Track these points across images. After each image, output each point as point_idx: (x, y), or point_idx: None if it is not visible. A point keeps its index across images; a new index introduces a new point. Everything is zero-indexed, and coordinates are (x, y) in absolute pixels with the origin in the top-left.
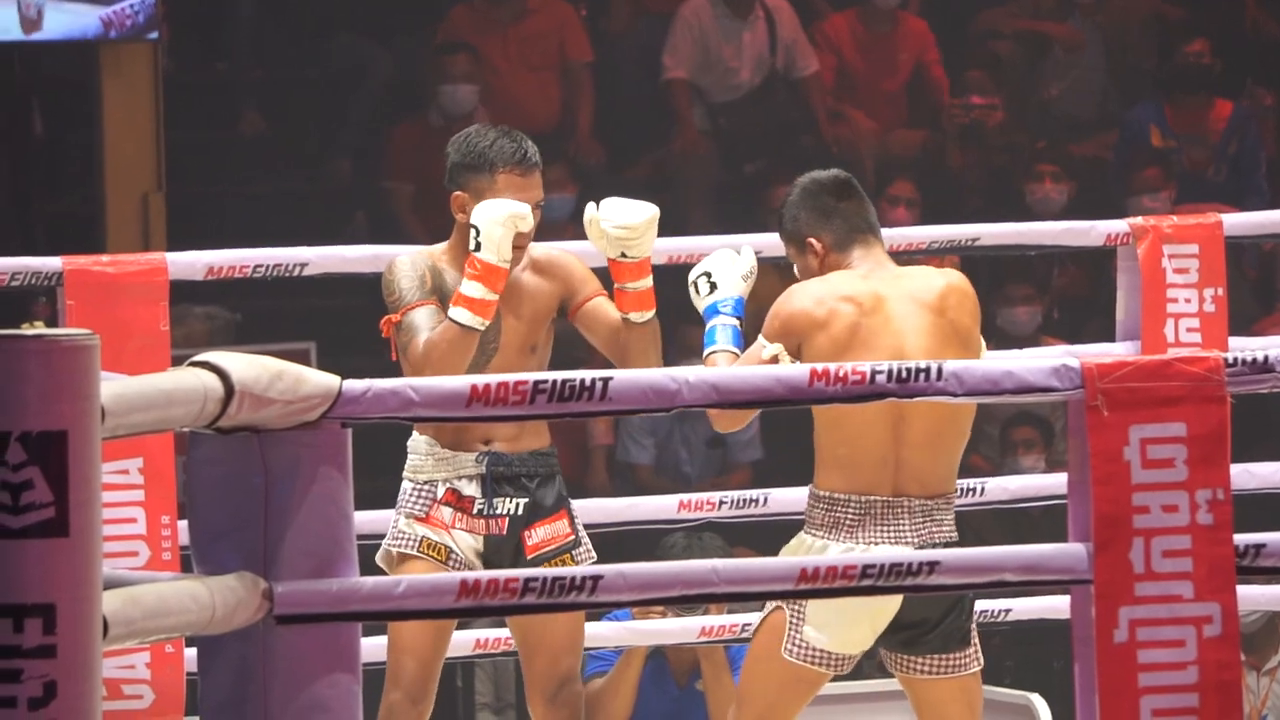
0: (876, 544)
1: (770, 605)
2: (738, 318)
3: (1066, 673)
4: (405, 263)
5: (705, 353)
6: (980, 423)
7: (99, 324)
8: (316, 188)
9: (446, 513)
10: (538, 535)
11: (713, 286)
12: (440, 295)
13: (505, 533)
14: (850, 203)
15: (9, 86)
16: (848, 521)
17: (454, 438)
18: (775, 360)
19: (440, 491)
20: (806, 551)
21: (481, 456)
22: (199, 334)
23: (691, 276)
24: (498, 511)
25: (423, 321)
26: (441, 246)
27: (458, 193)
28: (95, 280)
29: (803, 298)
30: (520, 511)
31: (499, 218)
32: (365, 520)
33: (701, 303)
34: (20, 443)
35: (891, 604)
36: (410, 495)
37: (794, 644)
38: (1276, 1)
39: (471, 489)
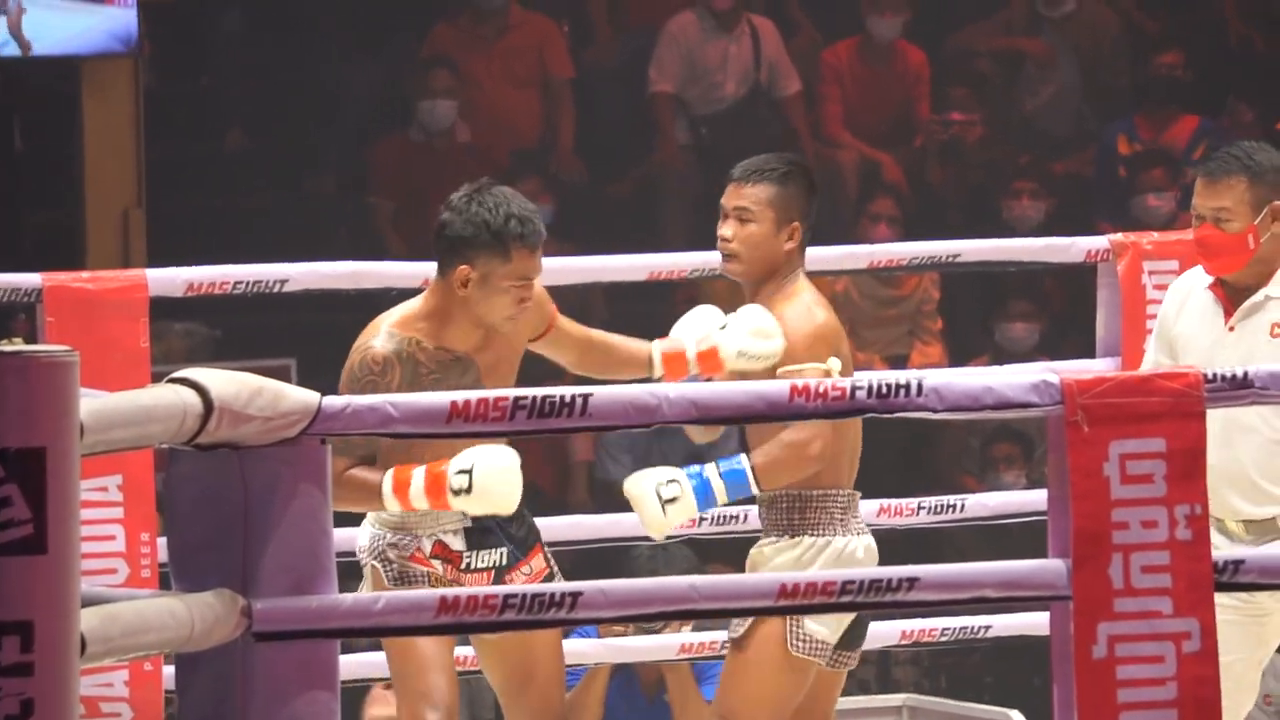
0: (859, 534)
1: (747, 620)
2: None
3: (1046, 689)
4: (378, 366)
5: (749, 473)
6: (964, 437)
7: (78, 340)
8: (298, 204)
9: (438, 565)
10: (521, 577)
11: (673, 499)
12: (411, 386)
13: (491, 584)
14: None
15: None
16: (838, 516)
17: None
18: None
19: (427, 545)
20: (814, 552)
21: None
22: (178, 350)
23: (653, 503)
24: (483, 565)
25: (351, 445)
26: (417, 312)
27: (463, 266)
28: (75, 296)
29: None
30: (505, 561)
31: (503, 479)
32: (345, 537)
33: (685, 504)
34: None
35: None
36: (388, 543)
37: (799, 639)
38: (1260, 16)
39: (459, 543)
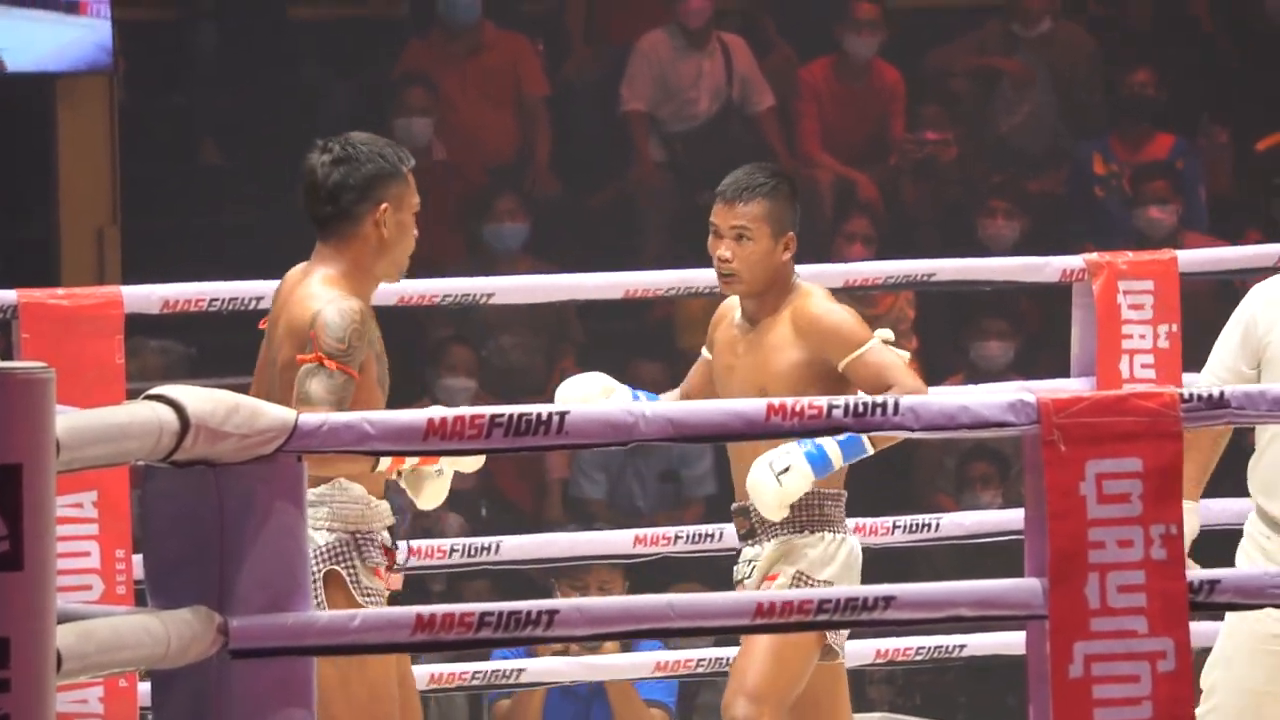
0: (852, 534)
1: None
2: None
3: (1020, 708)
4: (358, 316)
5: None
6: (940, 456)
7: (54, 357)
8: (274, 221)
9: (383, 564)
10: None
11: (786, 468)
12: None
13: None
14: None
15: None
16: (843, 514)
17: (378, 484)
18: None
19: (379, 541)
20: (835, 546)
21: (392, 502)
22: (154, 368)
23: (769, 475)
24: (400, 561)
25: (344, 395)
26: (335, 275)
27: (383, 205)
28: (50, 313)
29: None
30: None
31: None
32: None
33: (799, 471)
34: None
35: None
36: (353, 548)
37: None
38: (1235, 34)
39: (389, 539)
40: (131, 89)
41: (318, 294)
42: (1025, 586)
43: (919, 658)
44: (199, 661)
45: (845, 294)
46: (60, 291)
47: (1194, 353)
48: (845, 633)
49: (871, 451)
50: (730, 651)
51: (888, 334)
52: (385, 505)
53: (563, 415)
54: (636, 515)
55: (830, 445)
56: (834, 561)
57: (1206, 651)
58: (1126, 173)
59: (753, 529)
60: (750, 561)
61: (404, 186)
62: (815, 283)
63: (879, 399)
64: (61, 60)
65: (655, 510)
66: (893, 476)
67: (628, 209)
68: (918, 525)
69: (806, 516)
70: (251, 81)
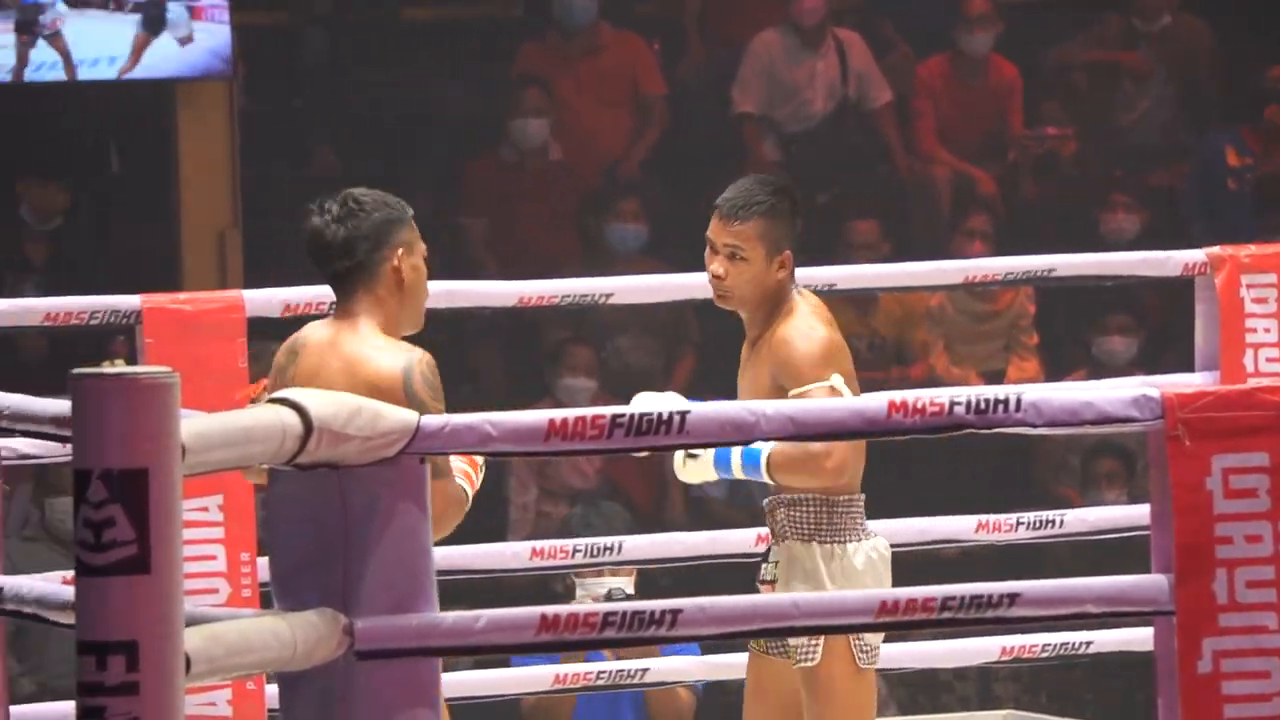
0: (872, 537)
1: (817, 650)
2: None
3: (1147, 706)
4: (435, 368)
5: (764, 459)
6: (1063, 453)
7: (177, 361)
8: None
9: None
10: None
11: (695, 454)
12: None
13: None
14: None
15: (88, 124)
16: (859, 520)
17: None
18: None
19: None
20: (836, 559)
21: None
22: None
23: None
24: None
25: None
26: (376, 327)
27: (400, 249)
28: (173, 318)
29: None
30: None
31: None
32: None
33: (701, 463)
34: (102, 480)
35: None
36: None
37: (863, 651)
38: None
39: None
40: (250, 94)
41: (386, 346)
42: (1152, 583)
43: (1045, 654)
44: (325, 663)
45: (965, 290)
46: (182, 296)
47: None
48: (879, 649)
49: (765, 478)
50: None
51: (839, 380)
52: None
53: (683, 415)
54: (758, 515)
55: (735, 451)
56: (848, 576)
57: None
58: (1262, 167)
59: (772, 530)
60: (776, 562)
61: (412, 232)
62: (942, 278)
63: (1001, 394)
64: (181, 66)
65: None
66: (1017, 473)
67: None
68: (1042, 522)
69: (814, 525)
70: (366, 84)
